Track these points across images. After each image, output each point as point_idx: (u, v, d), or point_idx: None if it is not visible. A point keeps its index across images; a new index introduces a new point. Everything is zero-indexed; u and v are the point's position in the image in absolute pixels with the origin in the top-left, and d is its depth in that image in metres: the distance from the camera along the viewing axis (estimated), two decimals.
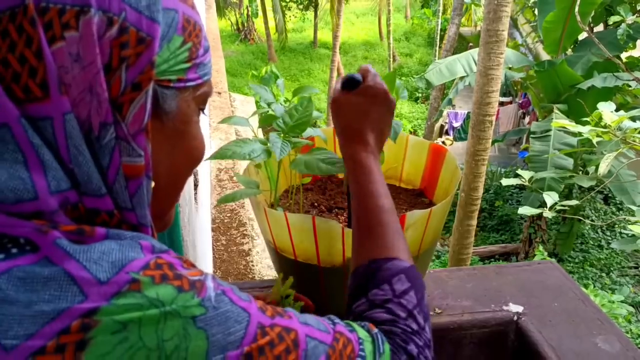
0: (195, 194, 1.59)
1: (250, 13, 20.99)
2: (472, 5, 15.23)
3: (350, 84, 0.78)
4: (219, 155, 0.81)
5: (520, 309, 1.03)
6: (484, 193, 10.35)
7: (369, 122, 0.78)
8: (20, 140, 0.42)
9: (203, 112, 0.57)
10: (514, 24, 13.87)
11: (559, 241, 9.21)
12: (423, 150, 1.12)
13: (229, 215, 3.43)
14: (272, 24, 19.64)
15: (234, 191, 0.89)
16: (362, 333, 0.57)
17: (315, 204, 1.08)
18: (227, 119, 0.93)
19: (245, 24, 21.32)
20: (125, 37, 0.46)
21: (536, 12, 9.33)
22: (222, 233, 3.32)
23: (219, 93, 5.52)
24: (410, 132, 15.73)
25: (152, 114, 0.49)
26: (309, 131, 0.97)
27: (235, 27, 21.73)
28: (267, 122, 0.90)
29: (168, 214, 0.60)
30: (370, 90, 0.78)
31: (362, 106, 0.78)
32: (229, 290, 0.47)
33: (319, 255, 0.89)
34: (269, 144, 0.85)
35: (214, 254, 3.07)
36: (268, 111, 0.95)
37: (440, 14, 14.46)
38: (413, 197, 1.12)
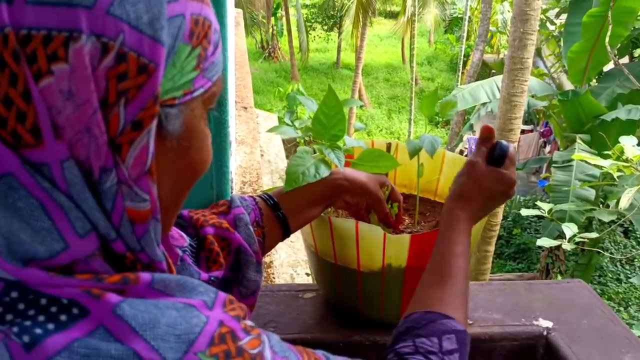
0: None
1: (275, 32, 21.30)
2: (498, 33, 15.30)
3: (496, 156, 0.82)
4: (292, 183, 0.84)
5: (550, 324, 1.05)
6: (502, 220, 10.33)
7: (487, 199, 0.82)
8: (30, 186, 0.39)
9: (212, 111, 0.54)
10: (537, 53, 13.90)
11: (577, 273, 9.09)
12: (459, 165, 1.15)
13: None
14: (296, 43, 19.89)
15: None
16: None
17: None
18: (275, 128, 0.97)
19: (270, 43, 21.60)
20: (124, 65, 0.40)
21: (561, 43, 9.34)
22: None
23: (245, 108, 5.59)
24: None
25: (155, 137, 0.44)
26: (352, 142, 1.01)
27: (259, 45, 22.03)
28: (308, 131, 0.94)
29: (169, 225, 0.56)
30: (506, 177, 0.82)
31: (490, 183, 0.82)
32: None
33: (359, 259, 0.93)
34: (325, 156, 0.88)
35: None
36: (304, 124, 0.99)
37: (464, 40, 14.53)
38: None
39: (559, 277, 8.18)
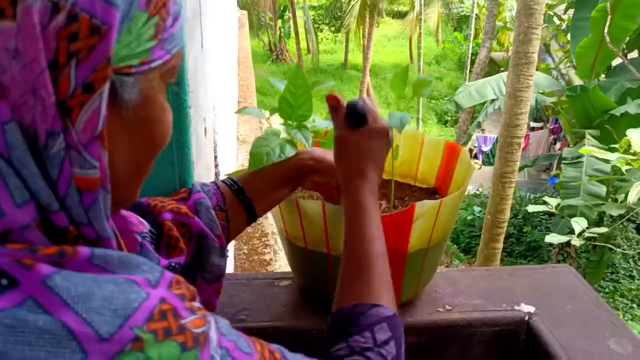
0: (217, 174, 1.62)
1: (282, 34, 21.33)
2: (506, 30, 15.20)
3: (353, 119, 0.80)
4: (257, 163, 0.81)
5: (532, 309, 1.02)
6: (512, 218, 10.24)
7: (371, 161, 0.79)
8: None
9: (172, 85, 0.53)
10: (546, 49, 13.78)
11: (588, 270, 8.98)
12: (438, 148, 1.13)
13: (251, 225, 3.46)
14: (304, 45, 19.90)
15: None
16: None
17: None
18: (242, 110, 0.95)
19: (278, 45, 21.65)
20: (75, 26, 0.38)
21: (569, 36, 9.25)
22: (244, 242, 3.35)
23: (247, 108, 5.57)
24: None
25: (109, 105, 0.43)
26: (323, 123, 0.99)
27: (267, 48, 22.08)
28: (273, 112, 0.92)
29: (131, 199, 0.55)
30: (375, 132, 0.80)
31: (365, 145, 0.79)
32: (232, 347, 0.46)
33: (328, 242, 0.90)
34: (291, 137, 0.86)
35: (235, 261, 3.09)
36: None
37: (472, 38, 14.45)
38: (427, 195, 1.12)
39: None
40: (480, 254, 6.44)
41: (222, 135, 1.89)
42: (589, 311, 1.02)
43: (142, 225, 0.72)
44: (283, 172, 0.86)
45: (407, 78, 0.96)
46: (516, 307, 1.03)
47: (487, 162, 12.36)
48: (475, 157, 14.42)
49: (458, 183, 1.06)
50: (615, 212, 5.32)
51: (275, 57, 21.64)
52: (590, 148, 7.12)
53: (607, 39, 5.12)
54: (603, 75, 8.95)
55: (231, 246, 3.08)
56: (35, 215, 0.40)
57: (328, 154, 0.88)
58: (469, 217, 11.02)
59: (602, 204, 6.12)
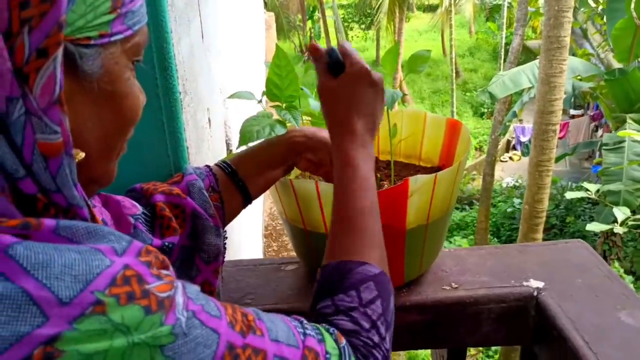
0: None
1: (313, 34, 21.38)
2: (539, 16, 14.84)
3: (331, 66, 0.75)
4: (246, 139, 0.84)
5: (540, 284, 1.00)
6: (554, 209, 9.99)
7: (355, 109, 0.74)
8: None
9: (138, 63, 0.54)
10: (583, 34, 13.39)
11: (635, 258, 8.69)
12: (441, 126, 1.11)
13: (280, 222, 3.49)
14: (335, 44, 19.86)
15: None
16: (330, 345, 0.56)
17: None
18: (234, 95, 0.96)
19: (308, 45, 21.69)
20: None
21: (605, 19, 8.97)
22: (273, 239, 3.39)
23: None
24: (476, 148, 15.39)
25: (71, 77, 0.45)
26: (318, 105, 0.99)
27: (298, 49, 22.16)
28: (263, 95, 0.93)
29: (106, 176, 0.56)
30: (354, 75, 0.75)
31: (346, 93, 0.75)
32: (199, 310, 0.46)
33: (325, 222, 0.91)
34: (282, 118, 0.87)
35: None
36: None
37: (504, 27, 14.17)
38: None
39: (616, 264, 7.84)
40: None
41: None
42: (600, 284, 1.00)
43: (134, 207, 0.74)
44: (276, 152, 0.87)
45: (397, 53, 0.96)
46: (525, 283, 1.01)
47: (526, 152, 12.09)
48: (514, 148, 14.14)
49: (459, 159, 1.05)
50: None
51: (307, 58, 21.68)
52: (630, 130, 6.90)
53: (634, 13, 4.93)
54: None
55: (260, 243, 3.11)
56: (2, 182, 0.41)
57: (320, 131, 0.88)
58: (508, 210, 10.81)
59: None
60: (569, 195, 5.04)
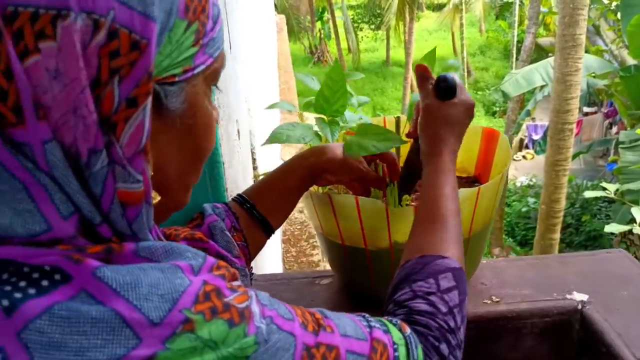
0: (255, 177, 1.63)
1: (323, 35, 21.37)
2: (552, 14, 14.73)
3: (443, 91, 0.80)
4: (274, 139, 0.83)
5: (585, 297, 0.97)
6: (569, 208, 9.89)
7: (454, 130, 0.80)
8: (12, 166, 0.37)
9: (215, 87, 0.53)
10: (595, 30, 13.27)
11: None
12: (476, 135, 1.09)
13: (299, 227, 3.47)
14: (345, 45, 19.86)
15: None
16: (396, 335, 0.57)
17: None
18: (273, 105, 0.95)
19: (318, 47, 21.70)
20: (116, 42, 0.39)
21: (619, 15, 8.87)
22: (292, 245, 3.37)
23: (290, 111, 5.62)
24: None
25: (156, 116, 0.44)
26: (354, 117, 0.97)
27: (308, 51, 22.17)
28: (307, 108, 0.91)
29: (182, 204, 0.56)
30: (463, 105, 0.80)
31: (452, 118, 0.80)
32: (275, 315, 0.47)
33: (364, 237, 0.89)
34: (320, 130, 0.85)
35: (284, 264, 3.11)
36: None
37: (516, 25, 14.07)
38: (467, 184, 1.09)
39: None
40: (536, 246, 6.25)
41: (261, 138, 1.91)
42: None
43: None
44: (295, 180, 0.85)
45: (435, 59, 0.93)
46: (568, 296, 0.98)
47: (539, 150, 12.01)
48: (527, 146, 14.04)
49: (499, 169, 1.02)
50: None
51: (316, 59, 21.70)
52: None
53: None
54: None
55: (279, 249, 3.09)
56: (80, 227, 0.41)
57: (337, 149, 0.85)
58: (523, 209, 10.73)
59: None
60: (588, 194, 4.98)
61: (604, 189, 4.98)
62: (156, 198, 0.48)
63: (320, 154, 0.84)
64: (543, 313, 0.96)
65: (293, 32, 17.74)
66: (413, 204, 0.95)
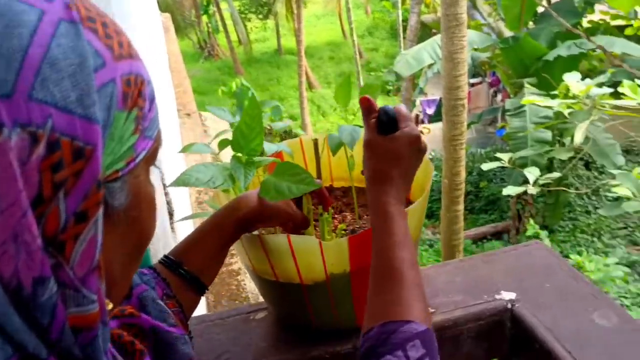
0: (172, 222, 1.55)
1: (210, 29, 20.92)
2: None
3: (383, 124, 0.76)
4: (181, 182, 0.78)
5: (513, 295, 1.01)
6: (467, 176, 10.41)
7: (401, 169, 0.75)
8: None
9: (154, 166, 0.48)
10: (472, 4, 13.98)
11: (547, 213, 9.28)
12: None
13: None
14: (234, 37, 19.57)
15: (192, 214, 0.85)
16: None
17: None
18: (188, 147, 0.89)
19: (207, 41, 21.24)
20: (57, 154, 0.34)
21: None
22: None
23: (189, 114, 5.48)
24: None
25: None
26: (272, 147, 0.94)
27: (197, 46, 21.63)
28: (224, 146, 0.87)
29: (124, 294, 0.51)
30: (406, 138, 0.75)
31: (396, 152, 0.75)
32: None
33: (300, 273, 0.86)
34: (231, 170, 0.81)
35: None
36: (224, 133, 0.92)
37: (400, 4, 14.52)
38: None
39: (531, 221, 8.34)
40: (443, 218, 6.53)
41: (169, 165, 1.79)
42: (568, 287, 1.02)
43: None
44: (224, 236, 0.81)
45: (350, 87, 0.92)
46: (497, 297, 1.01)
47: (435, 121, 12.53)
48: (422, 121, 14.62)
49: (420, 183, 1.03)
50: (564, 156, 5.47)
51: (207, 54, 21.25)
52: (530, 97, 7.29)
53: None
54: (531, 24, 9.14)
55: None
56: None
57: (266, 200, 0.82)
58: None
59: (551, 150, 6.30)
60: (485, 167, 5.28)
61: (499, 159, 5.29)
62: (109, 305, 0.42)
63: (248, 205, 0.81)
64: (477, 317, 0.99)
65: (180, 29, 17.22)
66: (349, 229, 0.94)
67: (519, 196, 9.14)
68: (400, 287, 0.66)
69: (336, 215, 1.04)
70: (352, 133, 0.89)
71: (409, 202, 1.08)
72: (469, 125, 9.68)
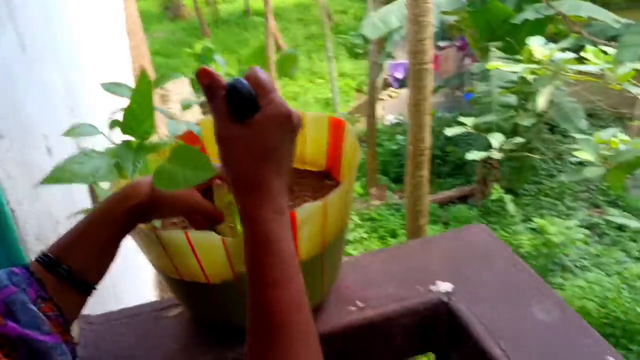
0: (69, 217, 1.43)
1: None
2: None
3: (237, 106, 0.55)
4: (53, 179, 0.66)
5: (449, 287, 0.93)
6: (435, 140, 10.40)
7: (273, 165, 0.57)
8: None
9: None
10: None
11: (512, 177, 9.35)
12: (323, 125, 0.99)
13: None
14: None
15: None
16: None
17: None
18: (72, 130, 0.77)
19: (173, 1, 20.53)
20: None
21: None
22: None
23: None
24: (356, 90, 15.58)
25: None
26: (180, 126, 0.83)
27: (162, 6, 20.90)
28: (113, 127, 0.75)
29: None
30: (271, 119, 0.56)
31: (261, 144, 0.56)
32: None
33: (204, 272, 0.76)
34: (118, 157, 0.70)
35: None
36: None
37: None
38: (318, 180, 1.00)
39: (495, 185, 8.40)
40: (407, 184, 6.48)
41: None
42: (507, 276, 0.95)
43: None
44: (110, 230, 0.69)
45: (263, 57, 0.81)
46: (432, 288, 0.93)
47: (405, 86, 12.41)
48: (391, 85, 14.48)
49: (348, 162, 0.93)
50: (527, 123, 5.46)
51: (172, 14, 20.55)
52: (495, 62, 7.22)
53: None
54: None
55: (152, 292, 2.82)
56: None
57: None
58: (393, 147, 11.15)
59: (515, 116, 6.28)
60: (449, 132, 5.23)
61: (463, 124, 5.24)
62: None
63: (141, 193, 0.69)
64: (410, 312, 0.91)
65: None
66: None
67: (484, 160, 9.18)
68: (282, 338, 0.54)
69: None
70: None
71: (326, 172, 0.98)
72: (437, 90, 9.63)
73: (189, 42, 17.53)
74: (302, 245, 0.77)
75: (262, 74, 0.58)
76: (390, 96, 14.53)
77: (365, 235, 8.81)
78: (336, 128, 0.97)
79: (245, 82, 0.56)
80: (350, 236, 8.55)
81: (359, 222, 8.98)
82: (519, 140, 5.19)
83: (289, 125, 0.58)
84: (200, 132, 0.86)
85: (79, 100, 1.42)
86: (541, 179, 9.63)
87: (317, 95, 15.17)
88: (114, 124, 0.76)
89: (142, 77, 0.72)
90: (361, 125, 12.44)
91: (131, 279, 1.58)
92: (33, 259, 0.69)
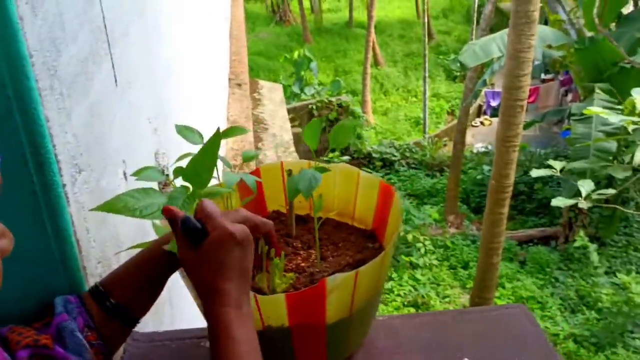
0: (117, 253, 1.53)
1: None
2: None
3: (192, 235, 0.69)
4: (107, 207, 0.74)
5: None
6: (522, 175, 10.06)
7: (225, 275, 0.68)
8: None
9: None
10: None
11: (601, 225, 8.85)
12: (374, 187, 1.03)
13: None
14: (307, 4, 19.42)
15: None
16: None
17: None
18: (140, 171, 0.85)
19: (281, 6, 21.17)
20: None
21: None
22: None
23: (239, 85, 5.47)
24: (448, 113, 15.36)
25: None
26: (230, 178, 0.89)
27: (270, 9, 21.61)
28: (178, 175, 0.82)
29: None
30: (217, 243, 0.68)
31: (213, 262, 0.68)
32: None
33: (261, 315, 0.82)
34: (170, 199, 0.77)
35: None
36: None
37: None
38: (363, 240, 1.03)
39: (581, 232, 7.98)
40: (486, 220, 6.33)
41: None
42: None
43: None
44: (157, 269, 0.78)
45: (319, 129, 0.86)
46: None
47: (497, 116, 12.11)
48: (485, 112, 14.15)
49: (392, 228, 0.96)
50: (620, 175, 5.18)
51: (278, 18, 21.20)
52: (600, 104, 6.91)
53: None
54: (613, 25, 8.58)
55: None
56: None
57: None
58: (478, 177, 10.88)
59: (609, 166, 5.97)
60: (534, 173, 5.06)
61: (551, 166, 5.05)
62: None
63: None
64: None
65: None
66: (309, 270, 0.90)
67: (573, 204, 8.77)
68: None
69: (301, 252, 0.99)
70: (311, 180, 0.83)
71: (380, 249, 1.01)
72: (532, 124, 9.31)
73: (290, 46, 18.01)
74: (330, 309, 0.81)
75: (208, 206, 0.70)
76: (483, 123, 14.20)
77: (435, 262, 8.65)
78: (386, 193, 1.00)
79: (192, 218, 0.69)
80: (419, 261, 8.43)
81: (431, 247, 8.83)
82: (609, 191, 4.92)
83: (233, 242, 0.68)
84: (254, 183, 0.92)
85: (165, 118, 1.53)
86: (633, 232, 9.04)
87: (408, 113, 15.10)
88: (177, 172, 0.84)
89: (215, 135, 0.79)
90: (447, 149, 12.26)
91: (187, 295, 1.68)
92: (89, 286, 0.78)
